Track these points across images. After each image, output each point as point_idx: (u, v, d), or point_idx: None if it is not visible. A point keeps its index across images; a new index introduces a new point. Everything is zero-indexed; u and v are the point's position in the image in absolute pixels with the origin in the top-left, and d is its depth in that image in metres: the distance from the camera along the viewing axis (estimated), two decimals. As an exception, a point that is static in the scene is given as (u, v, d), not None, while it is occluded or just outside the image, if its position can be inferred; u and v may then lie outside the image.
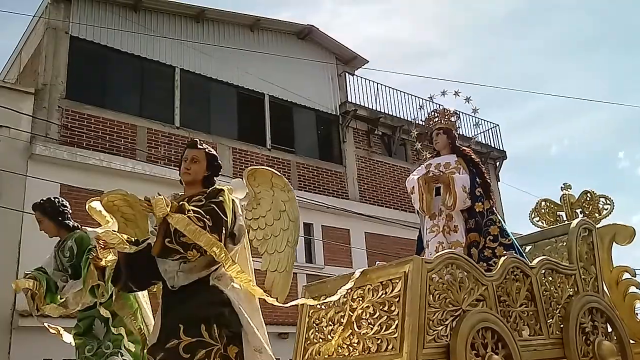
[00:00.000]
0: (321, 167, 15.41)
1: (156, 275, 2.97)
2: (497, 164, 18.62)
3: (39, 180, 10.95)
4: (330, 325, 3.73)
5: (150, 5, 13.95)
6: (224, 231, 2.83)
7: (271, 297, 2.99)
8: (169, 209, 2.78)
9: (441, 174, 4.54)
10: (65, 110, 12.46)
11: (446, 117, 4.88)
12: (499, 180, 18.76)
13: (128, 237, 3.05)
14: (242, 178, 3.14)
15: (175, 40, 14.05)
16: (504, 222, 4.39)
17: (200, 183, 3.16)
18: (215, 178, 3.23)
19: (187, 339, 2.70)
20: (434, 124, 4.89)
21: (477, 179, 4.47)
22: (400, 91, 17.29)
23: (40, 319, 4.28)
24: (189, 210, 2.80)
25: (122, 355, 3.91)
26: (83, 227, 4.39)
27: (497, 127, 18.67)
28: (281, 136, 15.17)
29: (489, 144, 18.34)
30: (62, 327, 4.36)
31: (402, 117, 17.03)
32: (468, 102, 4.94)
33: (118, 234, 3.04)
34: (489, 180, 4.56)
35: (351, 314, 3.60)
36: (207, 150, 3.24)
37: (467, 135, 6.45)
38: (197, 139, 3.37)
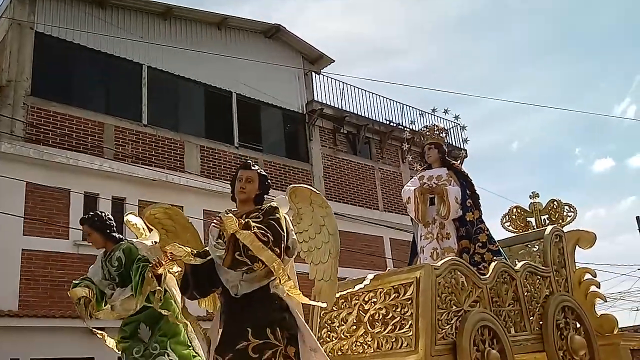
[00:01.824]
0: (288, 165, 15.75)
1: (217, 283, 3.33)
2: (459, 161, 19.24)
3: (3, 178, 10.95)
4: (343, 324, 4.18)
5: (117, 2, 13.93)
6: (282, 245, 3.21)
7: (319, 302, 3.37)
8: (237, 226, 3.13)
9: (435, 185, 5.02)
10: (31, 108, 12.37)
11: (436, 132, 5.36)
12: (460, 179, 19.44)
13: (192, 250, 3.38)
14: (284, 195, 3.48)
15: (142, 38, 14.08)
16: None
17: (252, 201, 3.49)
18: (265, 196, 3.57)
19: (255, 341, 3.06)
20: (425, 139, 5.32)
21: (468, 191, 5.00)
22: (365, 90, 17.82)
23: (87, 323, 4.51)
24: (254, 227, 3.15)
25: (168, 356, 4.23)
26: (128, 239, 4.68)
27: (458, 126, 19.28)
28: (248, 134, 15.41)
29: (450, 142, 19.00)
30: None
31: (367, 116, 17.56)
32: (456, 119, 5.40)
33: (183, 247, 3.35)
34: (477, 192, 5.07)
35: (364, 314, 4.07)
36: (259, 171, 3.56)
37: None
38: (250, 161, 3.73)
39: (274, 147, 15.94)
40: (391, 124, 18.09)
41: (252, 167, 3.55)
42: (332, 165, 16.76)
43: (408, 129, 6.12)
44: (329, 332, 4.26)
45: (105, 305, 4.46)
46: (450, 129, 18.78)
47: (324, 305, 3.37)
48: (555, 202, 5.93)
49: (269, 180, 3.61)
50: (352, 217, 15.32)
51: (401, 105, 18.43)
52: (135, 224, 4.68)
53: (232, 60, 15.02)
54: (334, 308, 4.25)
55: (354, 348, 4.01)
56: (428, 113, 7.35)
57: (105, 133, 13.21)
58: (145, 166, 13.26)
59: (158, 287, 4.10)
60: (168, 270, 3.90)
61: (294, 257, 3.36)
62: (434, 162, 5.31)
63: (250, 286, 3.23)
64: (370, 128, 17.53)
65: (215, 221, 3.26)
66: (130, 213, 4.80)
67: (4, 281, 10.90)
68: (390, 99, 18.28)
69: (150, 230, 4.48)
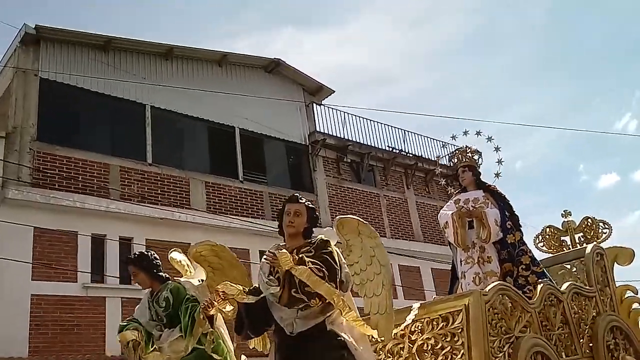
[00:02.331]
0: (293, 196, 15.65)
1: (270, 322, 3.25)
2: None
3: (12, 224, 10.90)
4: (390, 357, 4.06)
5: (120, 45, 14.05)
6: (337, 279, 3.13)
7: (378, 336, 3.27)
8: (292, 262, 3.06)
9: (473, 208, 4.94)
10: (37, 153, 12.37)
11: (469, 154, 5.28)
12: (468, 200, 19.48)
13: (243, 288, 3.30)
14: (332, 226, 3.40)
15: (145, 79, 14.16)
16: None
17: (301, 235, 3.41)
18: (313, 229, 3.48)
19: None
20: (458, 162, 5.25)
21: (507, 212, 4.92)
22: (367, 119, 17.86)
23: None
24: (308, 262, 3.08)
25: None
26: (175, 278, 4.57)
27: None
28: (253, 168, 15.40)
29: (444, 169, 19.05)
30: None
31: (369, 144, 17.59)
32: (490, 141, 5.32)
33: (235, 285, 3.28)
34: (516, 213, 4.99)
35: (411, 345, 3.95)
36: (306, 204, 3.49)
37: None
38: (297, 194, 3.62)
39: (279, 179, 15.89)
40: (394, 150, 18.12)
41: (300, 200, 3.47)
42: (337, 195, 16.71)
43: (439, 165, 6.00)
44: (376, 366, 4.12)
45: (152, 348, 4.32)
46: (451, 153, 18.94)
47: (379, 337, 3.26)
48: (589, 220, 5.83)
49: (318, 214, 3.53)
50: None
51: (403, 131, 18.51)
52: (180, 262, 4.59)
53: (233, 95, 15.11)
54: (380, 340, 4.13)
55: (405, 380, 3.88)
56: (449, 143, 7.27)
57: (111, 174, 13.19)
58: (151, 205, 13.23)
59: (210, 329, 4.01)
60: (221, 310, 3.79)
61: (349, 290, 3.27)
62: (469, 185, 5.24)
63: (306, 324, 3.14)
64: (374, 156, 17.53)
65: (267, 257, 3.18)
66: (174, 250, 4.71)
67: (14, 327, 10.75)
68: (391, 126, 18.36)
69: (195, 267, 4.39)
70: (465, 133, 5.44)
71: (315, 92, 17.29)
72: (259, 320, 3.27)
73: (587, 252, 4.92)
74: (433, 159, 18.68)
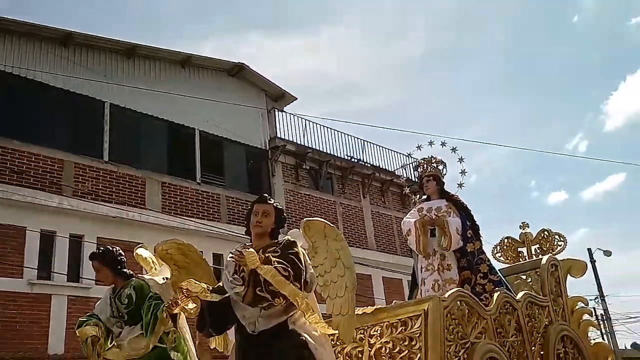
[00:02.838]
0: (250, 200, 15.40)
1: (233, 320, 3.26)
2: (418, 197, 19.59)
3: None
4: (348, 359, 4.08)
5: (81, 41, 13.81)
6: (302, 280, 3.17)
7: (338, 338, 3.31)
8: (259, 261, 3.08)
9: (435, 217, 5.03)
10: (-10, 146, 12.04)
11: (434, 164, 5.39)
12: (422, 213, 19.76)
13: (208, 286, 3.29)
14: (299, 229, 3.43)
15: (105, 76, 13.93)
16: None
17: (268, 235, 3.43)
18: (280, 230, 3.51)
19: None
20: (423, 171, 5.35)
21: (468, 222, 5.05)
22: (327, 127, 17.99)
23: None
24: (274, 262, 3.11)
25: None
26: (139, 275, 4.50)
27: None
28: (211, 170, 15.31)
29: (411, 178, 19.31)
30: None
31: (328, 152, 17.69)
32: (454, 151, 5.43)
33: (199, 283, 3.27)
34: (477, 223, 5.11)
35: (369, 349, 3.98)
36: (275, 204, 3.51)
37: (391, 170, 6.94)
38: (266, 195, 3.66)
39: (237, 183, 15.84)
40: (352, 159, 18.26)
41: (269, 201, 3.50)
42: (294, 201, 16.73)
43: (404, 178, 6.12)
44: (334, 368, 4.14)
45: (111, 344, 4.24)
46: (407, 165, 19.21)
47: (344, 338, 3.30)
48: (545, 232, 6.03)
49: (285, 215, 3.57)
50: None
51: (362, 141, 18.69)
52: (146, 258, 4.53)
53: (195, 97, 14.97)
54: (338, 342, 4.17)
55: (363, 382, 3.92)
56: (405, 155, 7.40)
57: (65, 170, 12.92)
58: (105, 203, 13.01)
59: (173, 328, 3.99)
60: (184, 308, 3.76)
61: (312, 291, 3.31)
62: (433, 194, 5.34)
63: (268, 322, 3.17)
64: (332, 164, 17.65)
65: (232, 256, 3.20)
66: (140, 246, 4.64)
67: (-42, 322, 10.43)
68: (351, 136, 18.51)
69: (160, 265, 4.34)
70: (431, 143, 5.55)
71: (278, 98, 17.32)
72: (221, 318, 3.28)
73: (542, 263, 5.07)
74: (390, 169, 18.92)
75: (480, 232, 5.06)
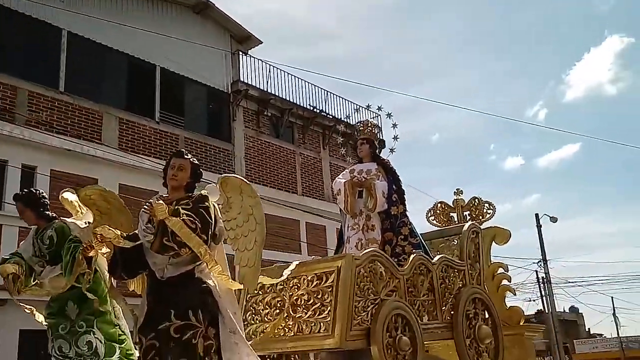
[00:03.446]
0: (209, 143, 15.59)
1: (145, 266, 3.43)
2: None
3: None
4: (267, 308, 4.33)
5: (40, -37, 13.26)
6: (209, 233, 3.33)
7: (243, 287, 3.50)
8: (167, 213, 3.23)
9: (364, 179, 5.23)
10: (-64, 67, 11.70)
11: (369, 128, 5.55)
12: (378, 167, 20.02)
13: (121, 232, 3.44)
14: (215, 184, 3.55)
15: (64, 2, 13.46)
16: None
17: (183, 188, 3.58)
18: (196, 184, 3.66)
19: (177, 322, 3.21)
20: (358, 134, 5.49)
21: (394, 186, 5.24)
22: (291, 75, 17.85)
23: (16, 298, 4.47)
24: (182, 214, 3.26)
25: (94, 334, 4.26)
26: (62, 218, 4.61)
27: (379, 117, 19.81)
28: (170, 110, 15.13)
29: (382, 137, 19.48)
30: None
31: (291, 100, 17.60)
32: (389, 117, 5.58)
33: (113, 229, 3.41)
34: (403, 188, 5.32)
35: (287, 300, 4.20)
36: (191, 159, 3.64)
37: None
38: (183, 150, 3.77)
39: (196, 124, 15.71)
40: (315, 110, 18.24)
41: (185, 156, 3.63)
42: (254, 147, 16.74)
43: (343, 123, 6.27)
44: (253, 315, 4.39)
45: (34, 282, 4.42)
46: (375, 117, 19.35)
47: (241, 287, 3.49)
48: (476, 200, 6.29)
49: (201, 170, 3.70)
50: (271, 200, 15.46)
51: (325, 92, 18.65)
52: (72, 202, 4.63)
53: (158, 33, 14.61)
54: (260, 292, 4.39)
55: (276, 331, 4.14)
56: (364, 107, 7.53)
57: (18, 98, 12.60)
58: (59, 135, 12.79)
59: (87, 270, 4.15)
60: (98, 252, 3.90)
61: (220, 243, 3.49)
62: (365, 157, 5.50)
63: (176, 270, 3.35)
64: (294, 112, 17.61)
65: (145, 207, 3.37)
66: (66, 190, 4.71)
67: None
68: (315, 85, 18.43)
69: (85, 209, 4.46)
70: (368, 107, 5.67)
71: (243, 40, 17.06)
72: (133, 263, 3.45)
73: (463, 229, 5.29)
74: (352, 122, 18.99)
75: (405, 196, 5.25)
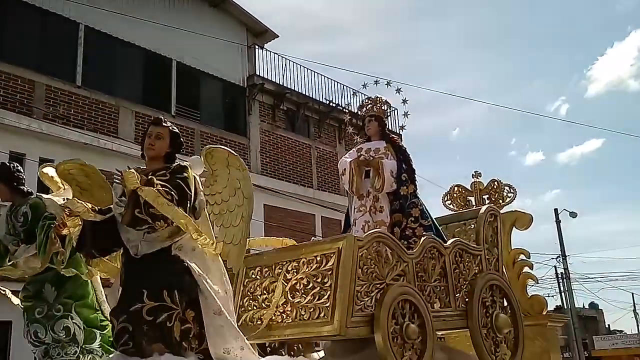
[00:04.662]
0: (225, 137, 15.42)
1: (118, 243, 3.15)
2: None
3: None
4: (265, 294, 4.02)
5: (56, -43, 13.23)
6: (188, 205, 3.06)
7: (226, 266, 3.23)
8: (139, 182, 2.95)
9: (372, 158, 4.89)
10: (-45, 60, 11.69)
11: (378, 105, 5.20)
12: (395, 161, 19.69)
13: (92, 206, 3.18)
14: (200, 156, 3.30)
15: (81, -4, 13.43)
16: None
17: (162, 159, 3.32)
18: (176, 154, 3.39)
19: (150, 303, 2.93)
20: (367, 111, 5.17)
21: (404, 165, 4.87)
22: (307, 69, 17.58)
23: None
24: (157, 184, 2.99)
25: (72, 319, 3.98)
26: (38, 194, 4.37)
27: (396, 111, 19.45)
28: (186, 103, 15.03)
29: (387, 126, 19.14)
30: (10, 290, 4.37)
31: (307, 94, 17.36)
32: (398, 92, 5.25)
33: (83, 202, 3.15)
34: (413, 167, 4.95)
35: (285, 284, 3.90)
36: (170, 128, 3.38)
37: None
38: (162, 117, 3.49)
39: (212, 118, 15.57)
40: (331, 104, 17.95)
41: (164, 124, 3.37)
42: (269, 141, 16.54)
43: (348, 112, 5.91)
44: (250, 301, 4.08)
45: (8, 262, 4.13)
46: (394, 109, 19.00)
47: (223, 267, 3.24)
48: (495, 182, 5.95)
49: (182, 139, 3.42)
50: (286, 194, 15.25)
51: (342, 86, 18.33)
52: (53, 177, 4.34)
53: (174, 26, 14.53)
54: (257, 277, 4.10)
55: (274, 317, 3.84)
56: (359, 92, 7.13)
57: (36, 92, 12.62)
58: (76, 129, 12.76)
59: (61, 249, 3.87)
60: (65, 227, 3.65)
61: (201, 218, 3.21)
62: (374, 135, 5.16)
63: (152, 247, 3.08)
64: (310, 107, 17.39)
65: (117, 177, 3.10)
66: (47, 165, 4.45)
67: None
68: (331, 79, 18.13)
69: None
70: (376, 83, 5.37)
71: (259, 34, 16.86)
72: (105, 240, 3.18)
73: (480, 212, 4.92)
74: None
75: (415, 175, 4.91)
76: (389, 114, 5.25)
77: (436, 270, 4.26)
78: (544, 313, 5.49)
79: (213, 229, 3.22)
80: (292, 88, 17.04)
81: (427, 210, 4.80)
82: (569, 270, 25.61)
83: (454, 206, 6.07)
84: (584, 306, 36.51)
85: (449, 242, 4.51)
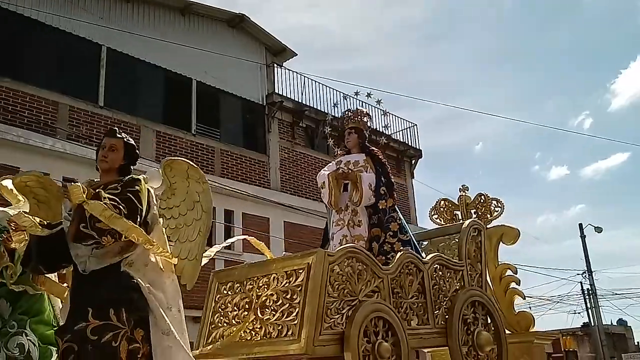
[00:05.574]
0: (245, 155, 15.56)
1: (67, 259, 3.08)
2: (413, 162, 19.48)
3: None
4: (236, 310, 3.99)
5: (77, -19, 13.62)
6: (138, 219, 3.00)
7: (180, 283, 3.17)
8: (85, 196, 2.90)
9: (350, 171, 4.84)
10: (-18, 83, 12.03)
11: (358, 117, 5.16)
12: (414, 178, 19.55)
13: (40, 220, 3.14)
14: (158, 168, 3.28)
15: (102, 19, 13.79)
16: (410, 218, 4.78)
17: (116, 171, 3.27)
18: (132, 167, 3.35)
19: (95, 321, 2.83)
20: (347, 123, 5.14)
21: (383, 178, 4.82)
22: (326, 86, 17.62)
23: None
24: (105, 198, 2.94)
25: (27, 335, 3.81)
26: None
27: (415, 127, 19.43)
28: (206, 122, 15.20)
29: (407, 142, 19.08)
30: None
31: (326, 111, 17.39)
32: (379, 104, 5.24)
33: (30, 216, 3.10)
34: (392, 180, 4.91)
35: (256, 300, 3.87)
36: (125, 139, 3.33)
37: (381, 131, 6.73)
38: (116, 128, 3.46)
39: (232, 136, 15.70)
40: (349, 120, 17.87)
41: (118, 135, 3.31)
42: (289, 158, 16.59)
43: (331, 115, 5.89)
44: (221, 317, 4.05)
45: None
46: (402, 130, 18.89)
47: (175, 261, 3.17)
48: (482, 197, 5.84)
49: (138, 151, 3.38)
50: (306, 210, 15.23)
51: (360, 102, 18.31)
52: (12, 190, 4.13)
53: (194, 46, 14.77)
54: (229, 292, 4.08)
55: (243, 334, 3.80)
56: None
57: (59, 113, 12.90)
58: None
59: (10, 263, 3.73)
60: (14, 241, 3.59)
61: (153, 232, 3.13)
62: (353, 147, 5.11)
63: (100, 262, 2.99)
64: (329, 123, 17.35)
65: (61, 189, 3.06)
66: (5, 177, 4.24)
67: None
68: (351, 97, 18.12)
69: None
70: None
71: (278, 52, 16.99)
72: (53, 255, 3.12)
73: (463, 227, 4.86)
74: (387, 133, 18.59)
75: (394, 189, 4.85)
76: (369, 126, 5.21)
77: (414, 286, 4.20)
78: (531, 330, 5.35)
79: (168, 244, 3.18)
80: (311, 105, 17.12)
81: (405, 225, 4.74)
82: (595, 286, 25.00)
83: (440, 220, 5.99)
84: (612, 323, 35.39)
85: (429, 257, 4.45)
